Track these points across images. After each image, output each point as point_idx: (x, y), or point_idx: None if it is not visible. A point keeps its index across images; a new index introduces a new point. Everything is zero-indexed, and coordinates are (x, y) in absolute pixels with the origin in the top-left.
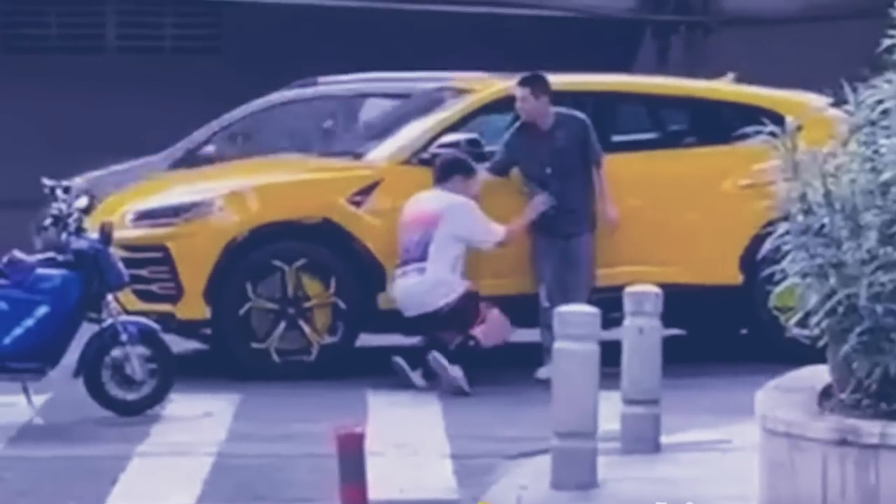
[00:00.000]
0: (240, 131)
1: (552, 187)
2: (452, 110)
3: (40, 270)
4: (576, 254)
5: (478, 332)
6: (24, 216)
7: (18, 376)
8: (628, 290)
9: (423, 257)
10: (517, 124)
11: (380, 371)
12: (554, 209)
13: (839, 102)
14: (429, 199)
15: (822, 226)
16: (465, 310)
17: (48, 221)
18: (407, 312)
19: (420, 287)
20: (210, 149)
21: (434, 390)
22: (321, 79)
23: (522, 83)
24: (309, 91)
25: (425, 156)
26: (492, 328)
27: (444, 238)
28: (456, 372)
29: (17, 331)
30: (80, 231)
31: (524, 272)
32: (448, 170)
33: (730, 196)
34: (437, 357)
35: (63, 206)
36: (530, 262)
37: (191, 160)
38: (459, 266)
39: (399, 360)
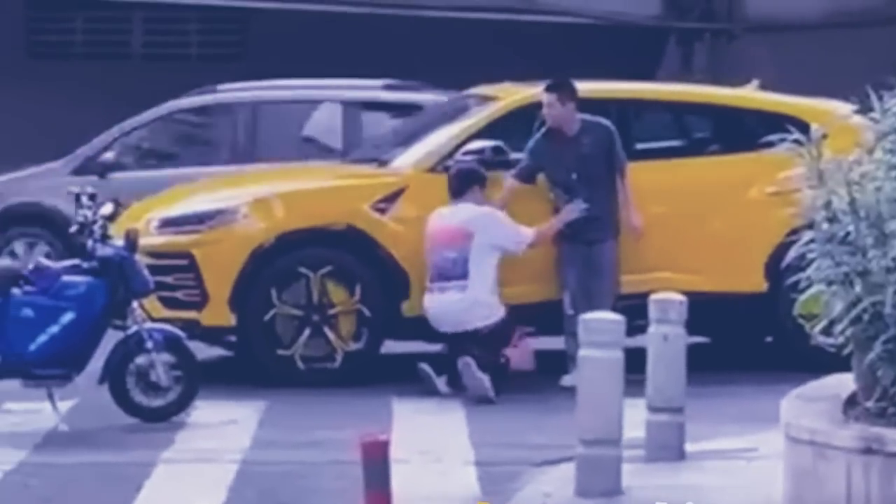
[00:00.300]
0: (139, 138)
1: (577, 193)
2: (478, 117)
3: (66, 277)
4: (600, 261)
5: (510, 353)
6: None
7: (44, 383)
8: (653, 297)
9: (463, 275)
10: (542, 130)
11: (404, 378)
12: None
13: (865, 110)
14: (454, 214)
15: (847, 234)
16: (501, 334)
17: (74, 228)
18: (441, 328)
19: (459, 305)
20: (109, 155)
21: (459, 397)
22: (220, 86)
23: (549, 89)
24: (207, 98)
25: (451, 163)
26: (522, 356)
27: (480, 249)
28: (486, 381)
29: (43, 337)
30: (105, 238)
31: (548, 279)
32: (464, 182)
33: (754, 204)
34: (468, 362)
35: (88, 213)
36: (555, 269)
37: (90, 167)
38: (497, 282)
39: (424, 366)
